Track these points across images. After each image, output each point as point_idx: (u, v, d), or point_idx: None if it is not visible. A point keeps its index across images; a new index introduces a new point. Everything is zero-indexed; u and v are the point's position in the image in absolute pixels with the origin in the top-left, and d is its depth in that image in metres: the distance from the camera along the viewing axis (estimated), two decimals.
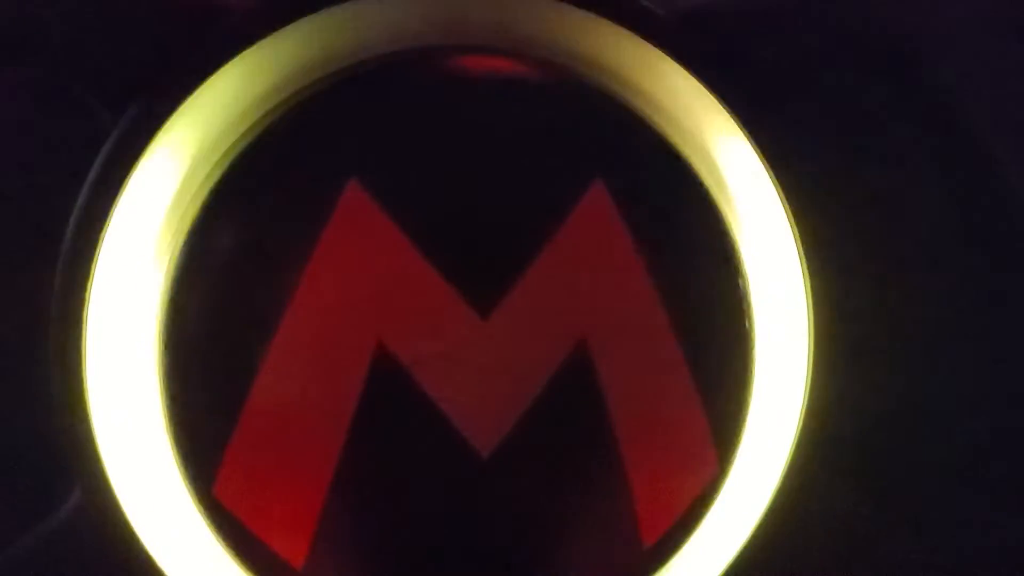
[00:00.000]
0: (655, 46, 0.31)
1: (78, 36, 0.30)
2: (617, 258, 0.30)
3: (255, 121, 0.30)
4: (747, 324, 0.30)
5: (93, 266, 0.29)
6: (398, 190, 0.29)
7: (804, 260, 0.30)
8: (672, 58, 0.31)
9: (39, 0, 0.31)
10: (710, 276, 0.30)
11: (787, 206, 0.30)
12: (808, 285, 0.31)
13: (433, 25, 0.30)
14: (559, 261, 0.30)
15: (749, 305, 0.30)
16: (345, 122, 0.29)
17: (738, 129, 0.30)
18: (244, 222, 0.29)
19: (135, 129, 0.29)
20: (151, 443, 0.30)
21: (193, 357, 0.29)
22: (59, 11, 0.30)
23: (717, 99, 0.30)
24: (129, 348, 0.30)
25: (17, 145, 0.30)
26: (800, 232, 0.30)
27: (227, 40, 0.29)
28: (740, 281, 0.30)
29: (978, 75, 0.31)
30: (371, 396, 0.29)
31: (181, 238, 0.29)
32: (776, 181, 0.30)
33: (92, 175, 0.29)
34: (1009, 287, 0.33)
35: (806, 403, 0.31)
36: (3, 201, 0.30)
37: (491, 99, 0.30)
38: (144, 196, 0.29)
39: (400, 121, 0.29)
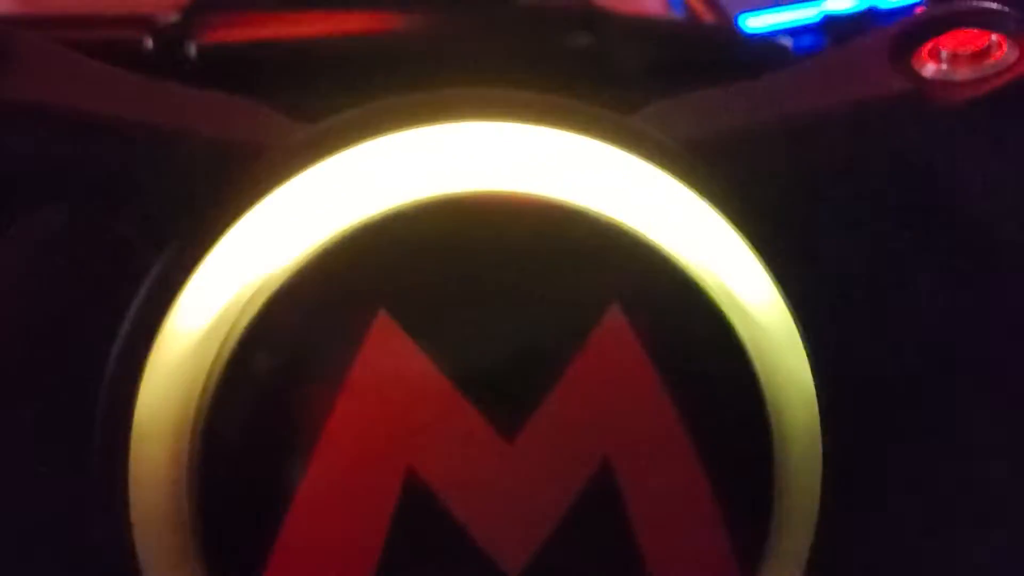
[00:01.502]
0: (668, 175, 0.32)
1: (121, 174, 0.31)
2: (637, 381, 0.31)
3: (289, 256, 0.31)
4: (767, 445, 0.31)
5: (136, 394, 0.30)
6: (425, 319, 0.30)
7: (820, 389, 0.31)
8: (685, 185, 0.32)
9: (82, 138, 0.32)
10: (729, 398, 0.31)
11: (802, 332, 0.31)
12: (823, 409, 0.31)
13: (456, 160, 0.32)
14: (580, 384, 0.31)
15: (768, 427, 0.31)
16: (374, 256, 0.31)
17: (752, 254, 0.31)
18: (279, 353, 0.30)
19: (176, 265, 0.30)
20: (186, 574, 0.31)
21: (228, 487, 0.30)
22: (102, 149, 0.32)
23: (730, 224, 0.31)
24: (166, 477, 0.31)
25: (58, 283, 0.31)
26: (815, 359, 0.31)
27: (265, 177, 0.31)
28: (759, 403, 0.31)
29: (998, 203, 0.32)
30: (401, 520, 0.30)
31: (218, 369, 0.30)
32: (790, 307, 0.31)
33: (134, 309, 0.30)
34: None
35: (822, 524, 0.31)
36: (44, 337, 0.31)
37: (510, 229, 0.31)
38: (184, 328, 0.30)
39: (426, 253, 0.31)
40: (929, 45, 0.35)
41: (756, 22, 2.63)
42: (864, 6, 2.99)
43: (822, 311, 0.31)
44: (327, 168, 0.31)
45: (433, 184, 0.32)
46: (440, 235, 0.31)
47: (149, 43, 0.64)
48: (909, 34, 0.35)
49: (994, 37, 0.34)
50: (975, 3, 0.35)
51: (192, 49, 0.63)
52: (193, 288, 0.30)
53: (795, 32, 2.80)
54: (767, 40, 0.94)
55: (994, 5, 0.35)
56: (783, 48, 0.80)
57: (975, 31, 0.35)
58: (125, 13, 0.67)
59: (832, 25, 2.90)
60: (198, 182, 0.32)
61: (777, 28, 2.66)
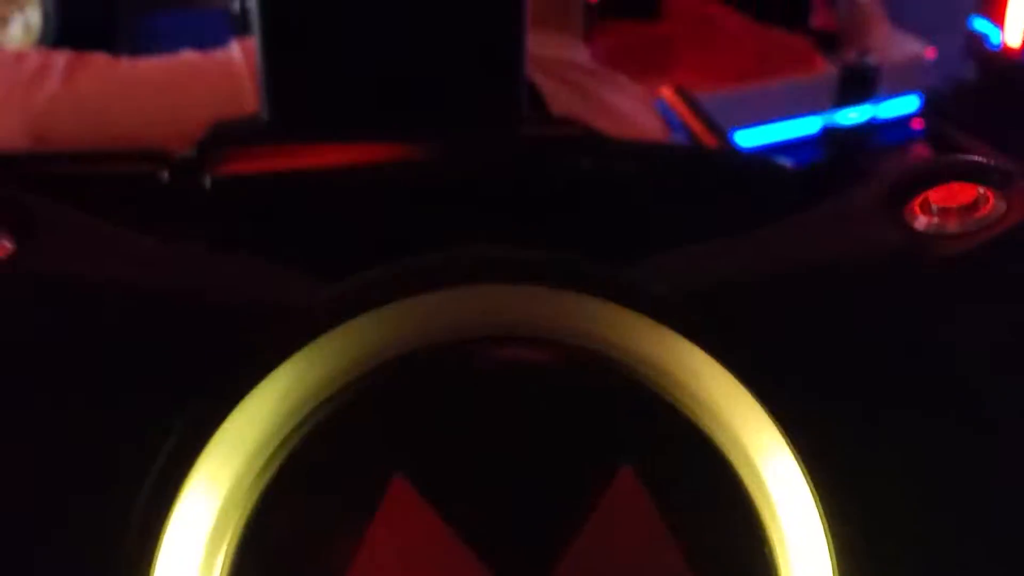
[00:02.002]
0: (673, 330, 0.33)
1: (132, 339, 0.32)
2: (651, 540, 0.31)
3: (304, 417, 0.32)
4: None
5: (154, 560, 0.31)
6: (439, 479, 0.31)
7: (835, 555, 0.32)
8: (688, 339, 0.33)
9: (104, 306, 0.33)
10: (742, 560, 0.32)
11: (816, 496, 0.32)
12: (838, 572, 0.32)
13: (468, 319, 0.33)
14: (594, 542, 0.31)
15: None
16: (386, 416, 0.31)
17: (764, 414, 0.32)
18: (297, 516, 0.31)
19: (194, 431, 0.31)
20: None
21: None
22: (123, 316, 0.33)
23: (742, 384, 0.32)
24: None
25: (73, 454, 0.32)
26: (831, 527, 0.32)
27: (287, 339, 0.32)
28: (771, 567, 0.32)
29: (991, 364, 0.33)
30: None
31: (236, 532, 0.31)
32: (805, 472, 0.32)
33: (152, 475, 0.31)
34: None
35: None
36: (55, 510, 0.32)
37: (522, 386, 0.32)
38: (201, 493, 0.31)
39: (438, 413, 0.32)
40: (920, 199, 0.36)
41: (756, 137, 2.70)
42: (864, 118, 3.07)
43: (833, 470, 0.31)
44: (343, 330, 0.32)
45: (445, 343, 0.33)
46: (454, 396, 0.32)
47: (165, 176, 0.66)
48: (900, 187, 0.37)
49: (982, 190, 0.36)
50: (963, 156, 0.36)
51: (207, 181, 0.65)
52: (210, 453, 0.31)
53: (795, 145, 2.87)
54: (767, 161, 0.96)
55: (981, 158, 0.36)
56: (782, 168, 0.82)
57: (964, 184, 0.36)
58: (142, 148, 0.69)
59: (832, 137, 2.98)
60: (218, 345, 0.33)
61: (777, 141, 2.73)
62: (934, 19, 3.75)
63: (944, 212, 0.36)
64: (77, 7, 2.56)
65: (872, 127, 3.23)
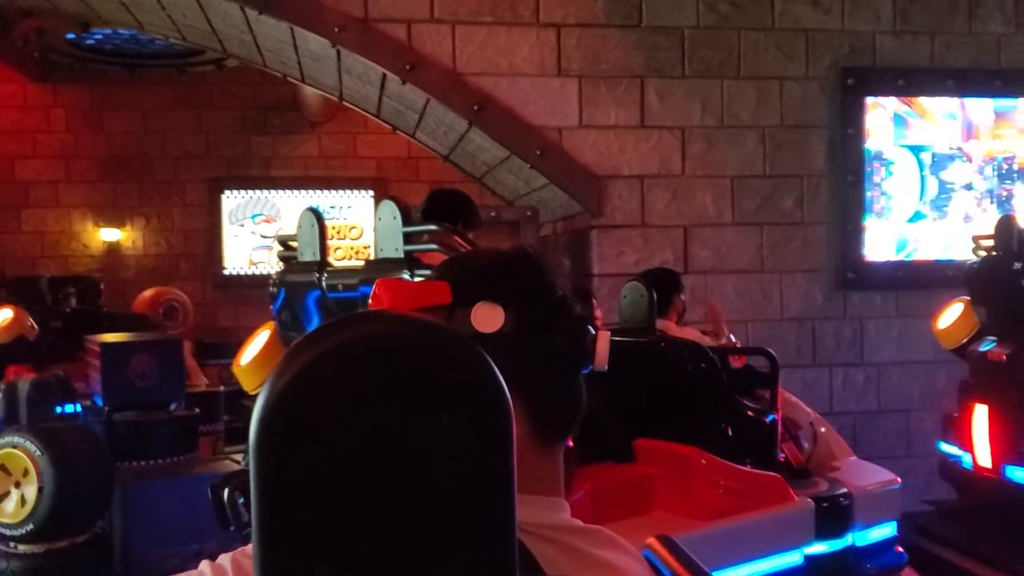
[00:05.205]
0: None
1: None
2: None
3: None
4: None
5: None
6: None
7: None
8: None
9: None
10: None
11: None
12: None
13: None
14: None
15: None
16: None
17: None
18: None
19: None
20: None
21: None
22: None
23: None
24: None
25: None
26: None
27: None
28: None
29: None
30: None
31: None
32: None
33: None
34: None
35: None
36: None
37: None
38: None
39: None
40: None
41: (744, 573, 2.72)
42: (842, 545, 3.12)
43: None
44: None
45: None
46: None
47: None
48: None
49: None
50: None
51: None
52: None
53: None
54: None
55: None
56: None
57: None
58: None
59: (816, 567, 2.99)
60: None
61: (764, 574, 2.75)
62: (894, 446, 3.93)
63: None
64: (72, 475, 2.65)
65: (853, 553, 3.24)
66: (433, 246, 2.27)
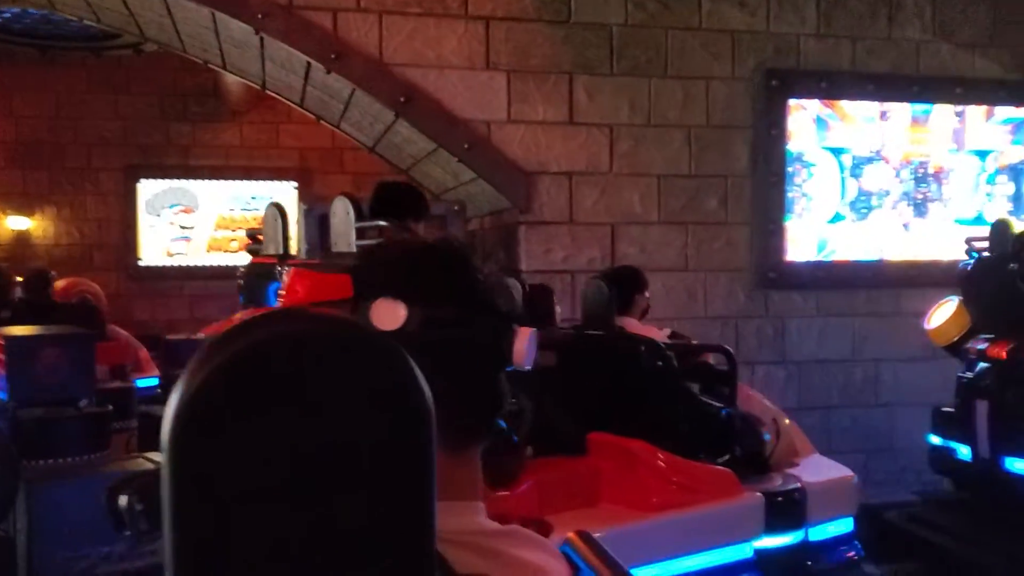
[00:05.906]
0: None
1: None
2: None
3: None
4: None
5: None
6: None
7: None
8: None
9: None
10: None
11: None
12: None
13: None
14: None
15: None
16: None
17: None
18: None
19: None
20: None
21: None
22: None
23: None
24: None
25: None
26: None
27: None
28: None
29: None
30: None
31: None
32: None
33: None
34: None
35: None
36: None
37: None
38: None
39: None
40: None
41: (691, 564, 2.73)
42: (796, 540, 3.15)
43: None
44: None
45: None
46: None
47: None
48: None
49: None
50: None
51: None
52: None
53: (731, 570, 2.90)
54: None
55: None
56: None
57: None
58: None
59: (766, 560, 3.02)
60: None
61: (712, 566, 2.77)
62: (814, 442, 3.99)
63: None
64: None
65: (804, 549, 3.27)
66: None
